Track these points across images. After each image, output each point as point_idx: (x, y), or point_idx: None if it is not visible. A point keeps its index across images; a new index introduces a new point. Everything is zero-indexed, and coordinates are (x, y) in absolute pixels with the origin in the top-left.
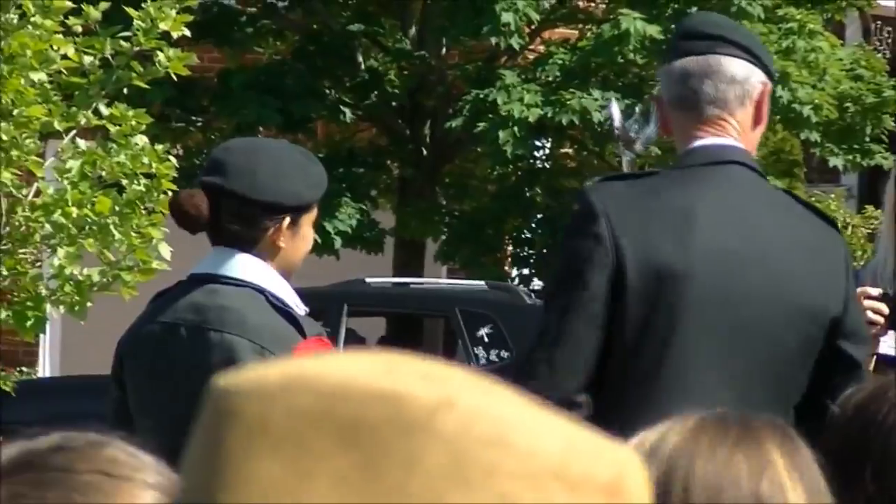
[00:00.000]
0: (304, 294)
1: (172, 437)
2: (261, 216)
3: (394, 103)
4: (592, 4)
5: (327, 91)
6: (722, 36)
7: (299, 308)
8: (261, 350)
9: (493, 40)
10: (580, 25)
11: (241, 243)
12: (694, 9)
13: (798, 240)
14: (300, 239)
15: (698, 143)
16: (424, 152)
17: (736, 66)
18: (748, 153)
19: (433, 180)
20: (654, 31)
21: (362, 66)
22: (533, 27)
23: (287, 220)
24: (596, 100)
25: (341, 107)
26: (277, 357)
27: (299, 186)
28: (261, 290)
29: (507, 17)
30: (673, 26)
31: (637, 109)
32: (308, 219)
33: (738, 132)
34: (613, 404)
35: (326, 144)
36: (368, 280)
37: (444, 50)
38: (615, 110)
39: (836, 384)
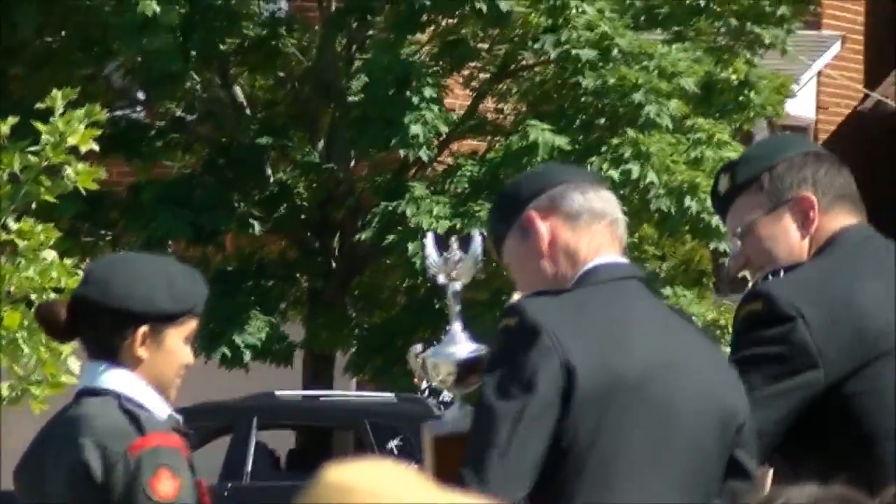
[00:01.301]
0: (212, 408)
1: None
2: (114, 324)
3: (303, 216)
4: (501, 116)
5: (237, 204)
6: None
7: (160, 411)
8: (103, 448)
9: (402, 152)
10: (489, 137)
11: (104, 353)
12: (602, 119)
13: (704, 350)
14: (166, 352)
15: (605, 259)
16: (334, 264)
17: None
18: (640, 269)
19: (343, 292)
20: (562, 141)
21: (271, 179)
22: (442, 139)
23: (144, 328)
24: None
25: (251, 219)
26: (117, 452)
27: (156, 294)
28: (117, 395)
29: (415, 129)
30: (581, 137)
31: (452, 241)
32: (176, 333)
33: (622, 248)
34: None
35: (236, 257)
36: (278, 393)
37: (352, 162)
38: (430, 244)
39: (729, 496)
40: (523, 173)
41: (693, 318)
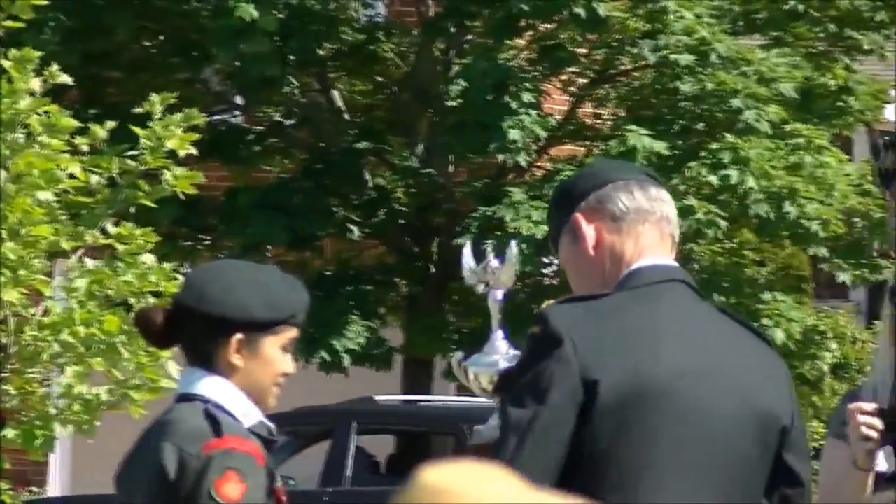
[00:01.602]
0: (311, 413)
1: None
2: (209, 331)
3: (401, 221)
4: (599, 121)
5: (335, 209)
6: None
7: (249, 417)
8: (179, 451)
9: (500, 157)
10: (587, 142)
11: (199, 359)
12: (700, 124)
13: (748, 354)
14: (262, 361)
15: (649, 261)
16: (432, 269)
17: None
18: (689, 276)
19: (441, 297)
20: (660, 146)
21: (370, 184)
22: (540, 144)
23: (238, 336)
24: None
25: (349, 224)
26: (192, 453)
27: (251, 302)
28: (205, 401)
29: (514, 134)
30: (679, 142)
31: (488, 250)
32: (272, 341)
33: (672, 253)
34: None
35: (334, 262)
36: (377, 398)
37: (451, 167)
38: (467, 253)
39: (778, 494)
40: (577, 172)
41: (746, 321)
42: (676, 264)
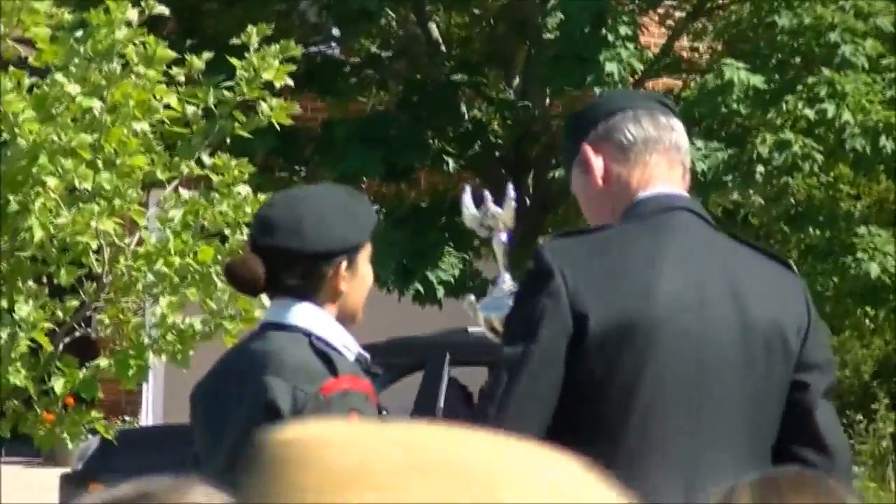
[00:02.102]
0: (404, 344)
1: (223, 473)
2: (315, 266)
3: (497, 153)
4: (696, 55)
5: (430, 141)
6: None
7: (349, 349)
8: (292, 389)
9: (597, 90)
10: (683, 76)
11: (303, 293)
12: (797, 59)
13: (755, 277)
14: (359, 279)
15: (655, 190)
16: (528, 202)
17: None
18: (698, 204)
19: (536, 230)
20: (757, 81)
21: (466, 117)
22: (636, 77)
23: (343, 263)
24: (699, 150)
25: (444, 157)
26: (308, 392)
27: (346, 230)
28: (307, 333)
29: (610, 67)
30: (776, 76)
31: (486, 194)
32: (364, 257)
33: (686, 185)
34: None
35: (429, 194)
36: (471, 329)
37: (547, 100)
38: (467, 198)
39: (795, 416)
40: (590, 103)
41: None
42: (683, 192)
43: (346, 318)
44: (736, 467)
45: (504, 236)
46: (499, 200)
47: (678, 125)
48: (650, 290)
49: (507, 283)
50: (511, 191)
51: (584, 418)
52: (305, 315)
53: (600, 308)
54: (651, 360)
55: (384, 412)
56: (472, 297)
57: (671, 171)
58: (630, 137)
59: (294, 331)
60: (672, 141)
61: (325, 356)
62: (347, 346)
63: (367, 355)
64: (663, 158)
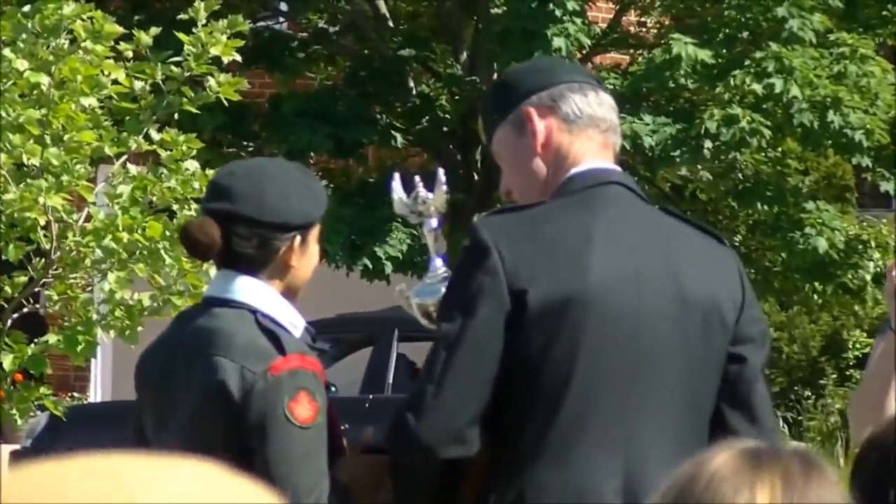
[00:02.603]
0: (353, 320)
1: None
2: (271, 237)
3: (445, 128)
4: (643, 30)
5: (378, 116)
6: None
7: (295, 326)
8: (240, 369)
9: None
10: (631, 51)
11: (252, 265)
12: (745, 33)
13: (688, 250)
14: (309, 256)
15: (588, 165)
16: (476, 177)
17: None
18: (630, 178)
19: (484, 205)
20: (705, 55)
21: (413, 92)
22: (584, 52)
23: (298, 238)
24: (647, 125)
25: (392, 132)
26: (256, 372)
27: (306, 205)
28: (253, 311)
29: (558, 42)
30: (724, 51)
31: (417, 179)
32: (314, 235)
33: (615, 155)
34: (512, 439)
35: (377, 169)
36: None
37: (495, 75)
38: (396, 185)
39: (727, 389)
40: (525, 65)
41: (688, 218)
42: (616, 167)
43: (290, 294)
44: (674, 441)
45: (435, 222)
46: (429, 185)
47: (614, 106)
48: (585, 265)
49: (440, 268)
50: (441, 175)
51: (521, 394)
52: (250, 290)
53: (537, 284)
54: (587, 335)
55: (333, 389)
56: (404, 286)
57: (605, 151)
58: (577, 110)
59: (239, 307)
60: (611, 122)
61: (272, 334)
62: (294, 322)
63: (313, 331)
64: (601, 137)
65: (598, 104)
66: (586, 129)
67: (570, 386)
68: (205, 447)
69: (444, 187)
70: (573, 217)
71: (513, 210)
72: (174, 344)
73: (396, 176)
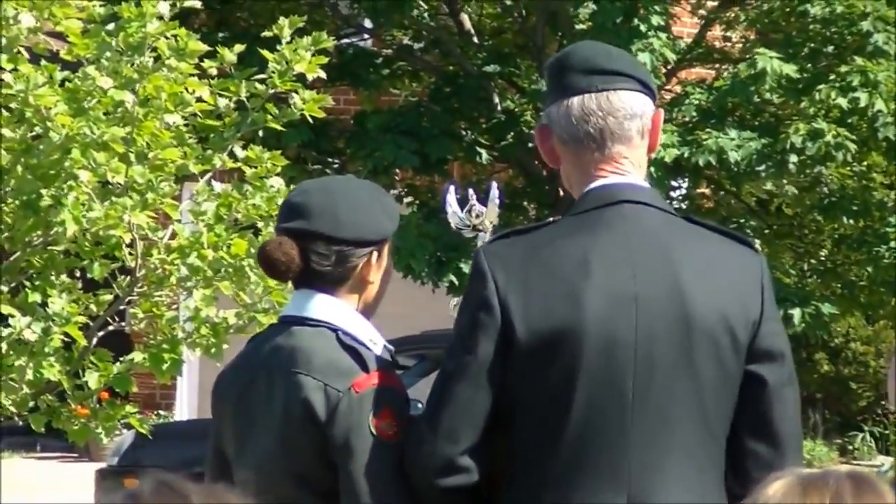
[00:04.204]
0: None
1: (258, 475)
2: (349, 254)
3: (530, 144)
4: (728, 44)
5: (463, 132)
6: (619, 71)
7: (375, 343)
8: (324, 387)
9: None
10: (716, 65)
11: (329, 283)
12: (830, 48)
13: (705, 268)
14: (385, 271)
15: (597, 183)
16: (561, 193)
17: (635, 101)
18: (646, 189)
19: None
20: (790, 70)
21: (498, 108)
22: (669, 67)
23: (374, 254)
24: (732, 139)
25: (477, 148)
26: (340, 390)
27: (380, 220)
28: (334, 329)
29: (643, 57)
30: (809, 65)
31: (471, 193)
32: (388, 250)
33: (636, 167)
34: (516, 469)
35: (463, 185)
36: None
37: None
38: (451, 198)
39: (744, 406)
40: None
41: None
42: (636, 182)
43: (368, 311)
44: (684, 465)
45: (488, 236)
46: (483, 200)
47: (641, 102)
48: (581, 294)
49: None
50: (495, 190)
51: (520, 429)
52: (329, 309)
53: (530, 315)
54: (583, 366)
55: (419, 405)
56: (456, 300)
57: (628, 160)
58: (596, 127)
59: (319, 325)
60: (635, 128)
61: (354, 351)
62: (374, 339)
63: (392, 348)
64: (622, 147)
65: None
66: (599, 146)
67: (569, 418)
68: (289, 466)
69: (497, 201)
70: (574, 241)
71: (518, 232)
72: (253, 364)
73: (451, 189)
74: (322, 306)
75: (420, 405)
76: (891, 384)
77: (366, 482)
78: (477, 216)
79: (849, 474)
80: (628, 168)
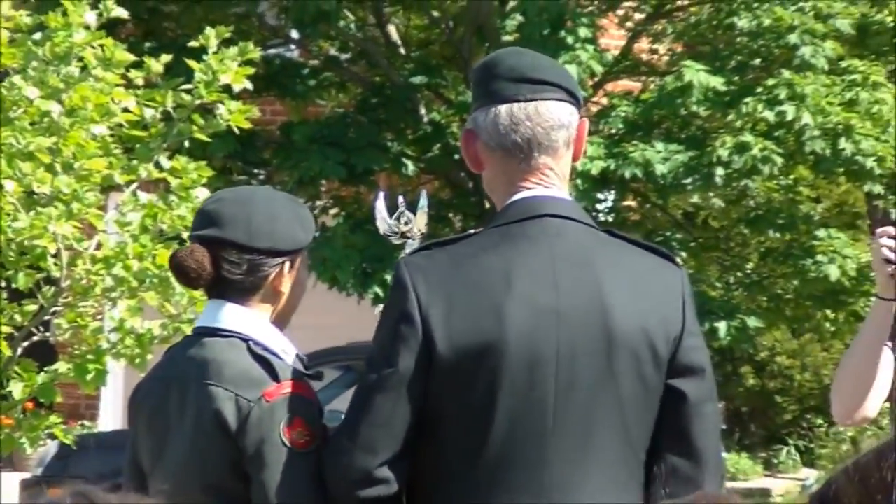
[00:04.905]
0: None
1: (172, 486)
2: (260, 263)
3: (456, 156)
4: (655, 57)
5: (390, 143)
6: (547, 80)
7: (287, 353)
8: (235, 397)
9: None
10: (643, 78)
11: (241, 293)
12: (757, 60)
13: (626, 283)
14: (298, 282)
15: (521, 195)
16: (487, 205)
17: (562, 111)
18: (569, 203)
19: None
20: (717, 82)
21: (425, 119)
22: (596, 79)
23: (287, 264)
24: (659, 152)
25: (404, 159)
26: (250, 399)
27: (295, 230)
28: (245, 339)
29: (570, 69)
30: (736, 78)
31: (400, 200)
32: (303, 262)
33: (560, 178)
34: (433, 485)
35: (389, 197)
36: None
37: None
38: (381, 205)
39: (664, 421)
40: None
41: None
42: (560, 195)
43: (280, 322)
44: (604, 480)
45: (416, 243)
46: (413, 207)
47: (568, 112)
48: (503, 310)
49: None
50: (424, 198)
51: (441, 441)
52: (241, 319)
53: (453, 329)
54: (504, 382)
55: (342, 415)
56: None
57: (554, 171)
58: (523, 137)
59: (231, 336)
60: (562, 139)
61: (265, 361)
62: (286, 349)
63: (305, 359)
64: (547, 158)
65: (539, 126)
66: (525, 156)
67: (490, 432)
68: (202, 477)
69: (426, 209)
70: (496, 255)
71: (440, 245)
72: (167, 376)
73: (381, 195)
74: (233, 316)
75: (343, 415)
76: (835, 399)
77: (278, 492)
78: (406, 223)
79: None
80: (553, 180)
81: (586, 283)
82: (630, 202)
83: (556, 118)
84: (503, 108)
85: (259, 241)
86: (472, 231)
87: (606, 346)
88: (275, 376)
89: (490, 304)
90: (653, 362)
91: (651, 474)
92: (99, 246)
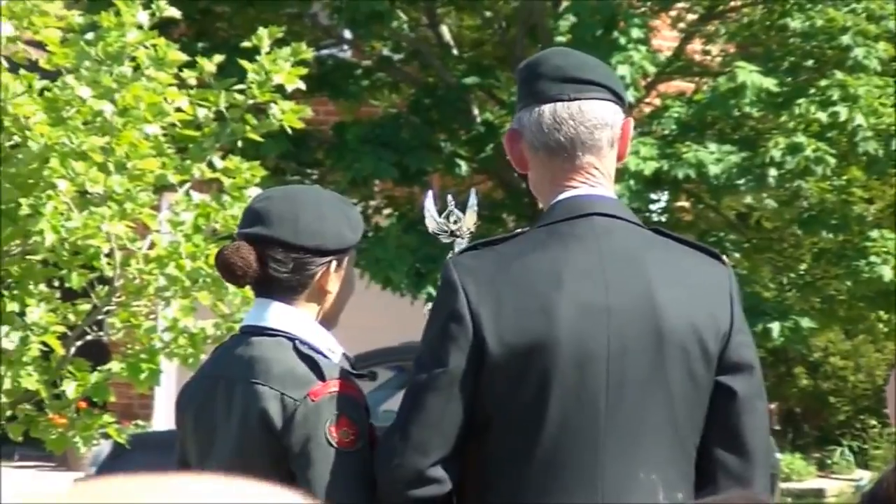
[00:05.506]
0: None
1: None
2: (307, 262)
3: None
4: (708, 58)
5: (442, 144)
6: (591, 80)
7: (333, 352)
8: (280, 396)
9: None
10: (696, 78)
11: (287, 291)
12: (809, 61)
13: (675, 280)
14: (345, 282)
15: (567, 194)
16: (540, 205)
17: (606, 110)
18: (615, 201)
19: None
20: (769, 83)
21: (478, 119)
22: (649, 80)
23: (333, 263)
24: (712, 153)
25: (456, 160)
26: (296, 398)
27: (342, 228)
28: (291, 338)
29: (623, 70)
30: (789, 79)
31: (450, 198)
32: (350, 261)
33: (605, 177)
34: (485, 483)
35: (442, 197)
36: None
37: None
38: (430, 203)
39: (714, 418)
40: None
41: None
42: (606, 193)
43: (328, 321)
44: (658, 483)
45: (465, 243)
46: (462, 206)
47: (612, 112)
48: (553, 308)
49: None
50: (474, 196)
51: (493, 440)
52: (287, 318)
53: (502, 328)
54: (556, 380)
55: (393, 414)
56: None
57: (598, 170)
58: (567, 137)
59: (277, 335)
60: (605, 138)
61: (311, 360)
62: (332, 348)
63: (352, 356)
64: (592, 158)
65: (583, 125)
66: (570, 156)
67: (542, 430)
68: (248, 476)
69: (476, 208)
70: (545, 254)
71: (488, 244)
72: (213, 375)
73: (430, 194)
74: (280, 315)
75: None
76: (890, 401)
77: (324, 490)
78: (455, 222)
79: (743, 494)
80: (598, 179)
81: (635, 281)
82: (683, 203)
83: (599, 117)
84: (547, 108)
85: (305, 240)
86: (519, 231)
87: (656, 343)
88: (321, 375)
89: (540, 303)
90: (703, 359)
91: (701, 471)
92: (152, 245)
